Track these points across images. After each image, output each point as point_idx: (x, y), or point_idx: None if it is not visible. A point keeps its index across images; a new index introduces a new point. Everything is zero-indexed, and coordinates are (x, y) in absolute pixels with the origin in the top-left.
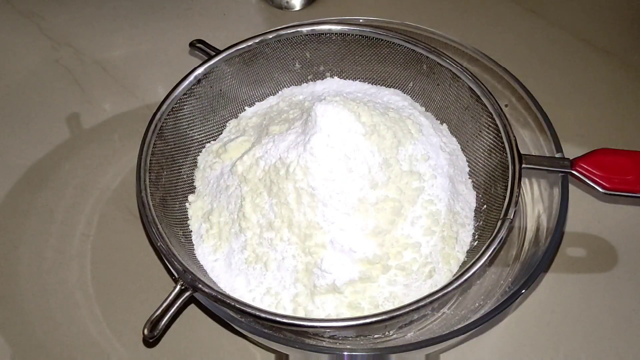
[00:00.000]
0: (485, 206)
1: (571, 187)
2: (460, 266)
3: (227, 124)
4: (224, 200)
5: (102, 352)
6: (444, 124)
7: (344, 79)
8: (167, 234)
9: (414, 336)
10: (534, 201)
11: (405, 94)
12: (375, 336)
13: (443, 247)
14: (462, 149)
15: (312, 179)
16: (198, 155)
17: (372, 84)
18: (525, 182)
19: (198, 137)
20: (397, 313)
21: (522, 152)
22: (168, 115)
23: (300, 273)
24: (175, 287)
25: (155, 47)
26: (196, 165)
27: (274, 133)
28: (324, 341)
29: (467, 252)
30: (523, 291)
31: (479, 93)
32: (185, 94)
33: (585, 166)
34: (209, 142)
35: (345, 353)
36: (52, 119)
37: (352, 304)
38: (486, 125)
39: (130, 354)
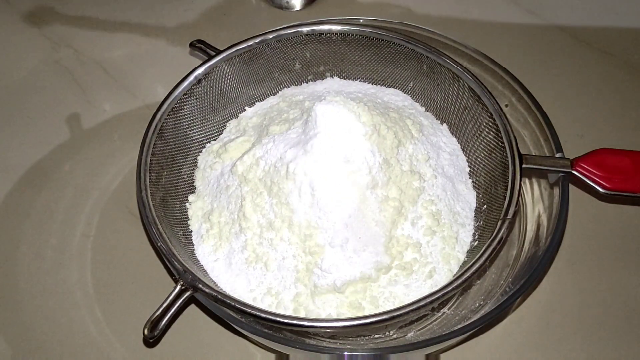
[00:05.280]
0: (485, 206)
1: (571, 187)
2: (460, 266)
3: (227, 124)
4: (224, 200)
5: (102, 352)
6: (444, 124)
7: (344, 79)
8: (167, 234)
9: (414, 336)
10: (534, 201)
11: (406, 94)
12: (376, 336)
13: (443, 247)
14: (462, 149)
15: (313, 179)
16: (198, 155)
17: (372, 84)
18: (525, 182)
19: (198, 137)
20: (397, 313)
21: (522, 152)
22: (168, 115)
23: (300, 273)
24: (175, 287)
25: (155, 47)
26: (196, 165)
27: (274, 133)
28: (325, 341)
29: (467, 252)
30: (523, 291)
31: (479, 93)
32: (185, 94)
33: (585, 166)
34: (209, 142)
35: (346, 353)
36: (52, 119)
37: (352, 304)
38: (486, 125)
39: (130, 354)
